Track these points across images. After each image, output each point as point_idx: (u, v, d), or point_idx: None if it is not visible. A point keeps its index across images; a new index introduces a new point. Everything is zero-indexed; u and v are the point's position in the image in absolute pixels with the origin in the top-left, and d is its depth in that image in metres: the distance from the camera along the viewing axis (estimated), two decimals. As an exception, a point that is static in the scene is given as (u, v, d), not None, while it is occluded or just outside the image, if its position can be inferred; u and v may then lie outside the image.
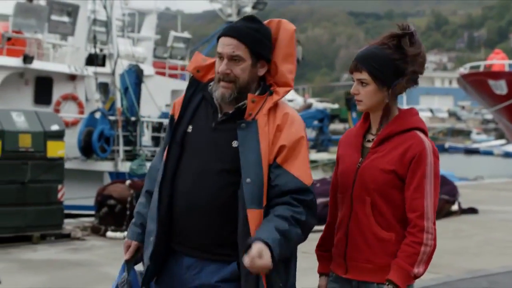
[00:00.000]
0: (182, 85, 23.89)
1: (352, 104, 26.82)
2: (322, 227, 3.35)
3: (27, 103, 17.13)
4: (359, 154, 3.16)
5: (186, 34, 27.36)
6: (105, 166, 16.66)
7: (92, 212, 11.58)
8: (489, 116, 70.36)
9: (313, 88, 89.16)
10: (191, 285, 3.00)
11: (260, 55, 3.02)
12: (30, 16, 17.29)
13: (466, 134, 75.07)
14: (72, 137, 15.03)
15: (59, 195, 9.87)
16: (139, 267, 3.21)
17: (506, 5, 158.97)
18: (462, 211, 13.37)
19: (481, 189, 18.72)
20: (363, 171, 3.10)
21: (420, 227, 3.01)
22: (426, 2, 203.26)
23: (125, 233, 9.93)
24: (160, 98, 20.05)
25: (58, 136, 9.94)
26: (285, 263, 2.97)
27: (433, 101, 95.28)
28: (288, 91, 3.06)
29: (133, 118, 17.06)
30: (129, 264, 3.17)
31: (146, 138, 18.64)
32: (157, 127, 19.40)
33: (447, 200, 12.70)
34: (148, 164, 15.93)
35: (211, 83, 3.07)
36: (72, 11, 18.10)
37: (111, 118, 16.60)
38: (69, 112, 17.45)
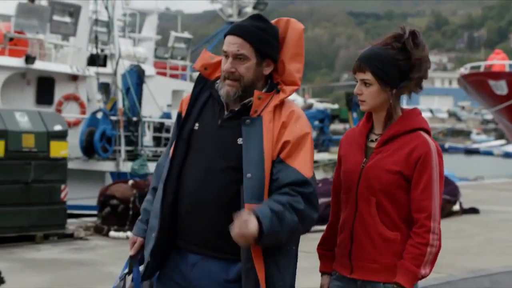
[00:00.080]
0: (183, 85, 23.94)
1: (352, 104, 26.82)
2: (324, 227, 3.36)
3: (29, 103, 17.17)
4: (363, 154, 3.17)
5: (187, 35, 27.40)
6: (107, 166, 16.70)
7: (94, 212, 11.61)
8: (489, 117, 70.39)
9: (313, 88, 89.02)
10: (196, 283, 3.01)
11: (265, 54, 3.02)
12: (32, 17, 17.33)
13: (466, 134, 75.14)
14: (74, 137, 15.06)
15: (62, 195, 9.90)
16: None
17: (506, 5, 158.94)
18: (464, 211, 13.40)
19: (482, 189, 18.74)
20: (368, 171, 3.11)
21: (427, 228, 3.02)
22: (426, 2, 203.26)
23: (128, 233, 10.03)
24: (161, 98, 20.09)
25: (61, 136, 9.96)
26: (285, 262, 2.98)
27: (433, 101, 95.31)
28: (295, 90, 3.08)
29: (134, 118, 17.10)
30: (133, 260, 3.19)
31: (147, 138, 18.67)
32: (159, 127, 19.44)
33: (449, 200, 12.73)
34: (149, 164, 16.01)
35: (218, 81, 3.08)
36: (74, 12, 18.15)
37: (113, 118, 16.63)
38: (71, 112, 17.48)
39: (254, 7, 28.61)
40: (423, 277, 3.05)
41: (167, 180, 3.06)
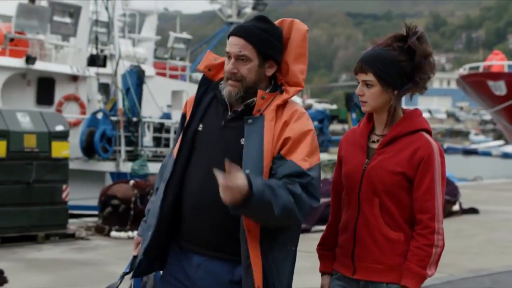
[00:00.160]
0: (182, 86, 23.95)
1: (352, 105, 26.84)
2: (323, 227, 3.37)
3: (30, 103, 17.18)
4: (364, 155, 3.17)
5: (186, 35, 27.41)
6: (107, 166, 16.71)
7: (93, 212, 11.63)
8: (487, 117, 70.45)
9: (311, 89, 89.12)
10: (200, 284, 3.01)
11: (268, 55, 3.02)
12: (32, 17, 17.34)
13: (464, 135, 75.27)
14: (74, 138, 15.06)
15: (64, 195, 9.92)
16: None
17: (504, 6, 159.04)
18: (463, 211, 13.45)
19: (481, 190, 18.80)
20: (371, 172, 3.11)
21: (431, 229, 3.04)
22: (424, 3, 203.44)
23: (129, 233, 10.06)
24: (160, 98, 20.11)
25: (63, 136, 9.99)
26: (284, 262, 2.98)
27: (432, 102, 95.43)
28: (299, 91, 3.08)
29: (134, 119, 17.11)
30: (136, 259, 3.20)
31: (147, 138, 18.68)
32: (159, 128, 19.46)
33: (449, 200, 12.77)
34: (149, 165, 16.02)
35: (222, 82, 3.09)
36: (74, 12, 18.16)
37: (113, 118, 16.65)
38: (71, 112, 17.48)
39: (254, 8, 28.61)
40: (428, 277, 3.07)
41: (169, 181, 3.08)
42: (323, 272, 3.31)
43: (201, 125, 3.09)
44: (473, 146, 65.91)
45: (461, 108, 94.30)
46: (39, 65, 17.30)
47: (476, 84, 30.32)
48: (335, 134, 36.75)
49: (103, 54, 19.20)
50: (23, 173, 9.49)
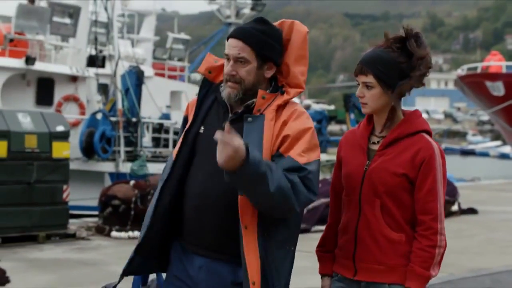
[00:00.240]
0: (181, 87, 23.96)
1: (350, 106, 26.88)
2: (323, 227, 3.38)
3: (29, 104, 17.20)
4: (365, 156, 3.18)
5: (185, 36, 27.40)
6: (106, 167, 16.72)
7: (93, 213, 11.64)
8: (485, 118, 70.54)
9: (309, 89, 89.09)
10: (203, 285, 3.02)
11: (266, 57, 3.03)
12: (32, 18, 17.35)
13: (462, 135, 75.33)
14: (73, 138, 15.07)
15: (64, 195, 9.95)
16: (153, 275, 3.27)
17: (501, 7, 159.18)
18: (462, 212, 13.49)
19: (480, 190, 18.84)
20: (372, 173, 3.12)
21: (434, 230, 3.06)
22: (422, 4, 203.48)
23: (130, 233, 10.09)
24: (159, 99, 20.11)
25: (63, 136, 10.02)
26: (282, 262, 2.99)
27: (429, 102, 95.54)
28: (300, 92, 3.09)
29: (134, 119, 17.12)
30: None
31: (146, 139, 18.69)
32: (158, 128, 19.47)
33: (448, 201, 12.80)
34: (148, 165, 16.04)
35: (223, 84, 3.09)
36: (74, 13, 18.18)
37: (112, 119, 16.67)
38: (70, 113, 17.48)
39: (252, 8, 28.59)
40: (432, 277, 3.09)
41: (166, 182, 3.08)
42: (323, 274, 3.31)
43: (202, 127, 3.10)
44: (471, 147, 65.96)
45: (459, 109, 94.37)
46: (39, 66, 17.32)
47: (474, 85, 30.32)
48: (333, 135, 36.76)
49: (102, 55, 19.20)
50: (24, 173, 9.51)
